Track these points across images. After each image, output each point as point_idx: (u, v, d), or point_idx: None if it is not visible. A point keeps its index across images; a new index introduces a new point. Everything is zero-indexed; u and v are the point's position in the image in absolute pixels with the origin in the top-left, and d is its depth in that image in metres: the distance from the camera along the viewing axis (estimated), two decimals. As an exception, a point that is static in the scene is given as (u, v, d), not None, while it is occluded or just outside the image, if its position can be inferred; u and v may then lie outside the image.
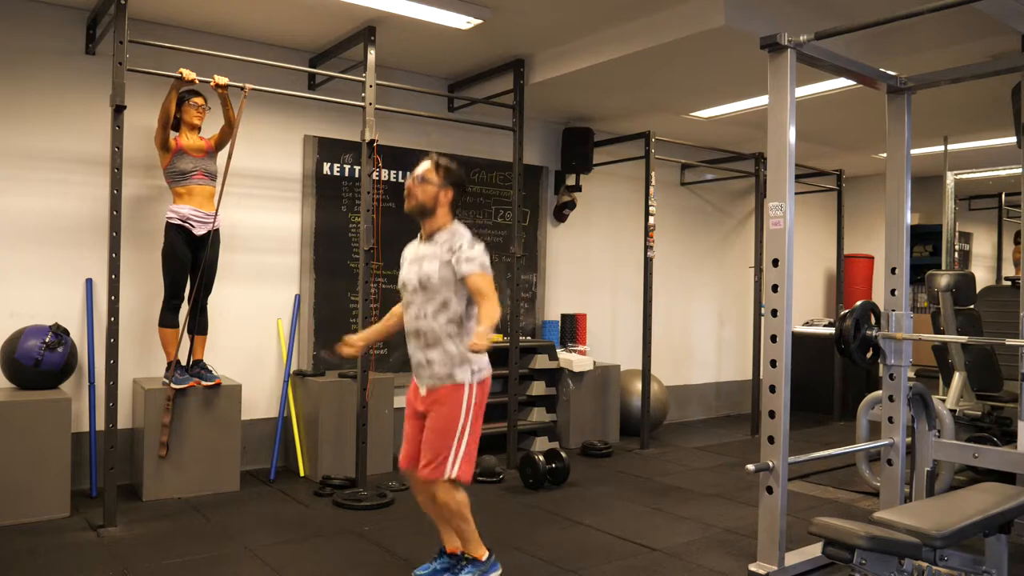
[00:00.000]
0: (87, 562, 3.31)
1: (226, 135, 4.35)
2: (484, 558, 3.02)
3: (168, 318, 4.30)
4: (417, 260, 3.02)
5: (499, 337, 5.78)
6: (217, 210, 4.30)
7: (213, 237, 4.33)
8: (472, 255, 2.92)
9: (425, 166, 3.06)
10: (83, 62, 4.39)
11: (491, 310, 2.83)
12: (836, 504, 4.49)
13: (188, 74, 4.05)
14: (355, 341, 3.22)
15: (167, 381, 4.24)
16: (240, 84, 4.24)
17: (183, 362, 4.36)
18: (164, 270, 4.27)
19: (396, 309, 3.19)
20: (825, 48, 3.28)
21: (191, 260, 4.27)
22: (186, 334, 4.37)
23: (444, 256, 2.93)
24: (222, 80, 4.15)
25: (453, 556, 3.08)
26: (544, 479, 4.65)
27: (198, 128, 4.31)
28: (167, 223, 4.23)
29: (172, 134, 4.24)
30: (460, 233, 3.01)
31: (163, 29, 4.51)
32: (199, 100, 4.29)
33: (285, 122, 5.01)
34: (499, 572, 3.08)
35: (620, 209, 6.83)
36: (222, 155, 4.34)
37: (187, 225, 4.22)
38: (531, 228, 6.27)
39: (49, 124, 4.32)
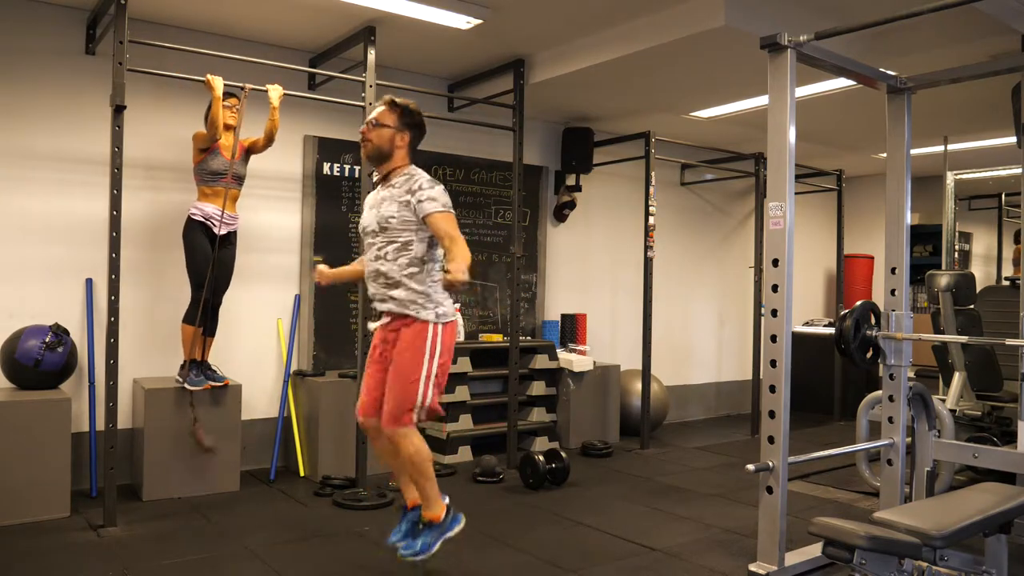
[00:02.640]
0: (87, 562, 3.31)
1: (260, 146, 4.42)
2: (441, 517, 2.92)
3: (192, 314, 4.30)
4: (376, 204, 2.97)
5: (499, 337, 5.79)
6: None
7: (232, 237, 4.36)
8: (433, 195, 2.85)
9: (380, 109, 2.97)
10: (83, 62, 4.39)
11: (460, 251, 2.74)
12: (836, 504, 4.49)
13: (215, 85, 4.07)
14: (324, 271, 3.21)
15: (180, 380, 4.25)
16: (240, 84, 4.24)
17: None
18: (188, 265, 4.28)
19: (363, 257, 3.13)
20: (825, 48, 3.28)
21: (211, 256, 4.28)
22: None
23: (402, 197, 2.87)
24: (276, 98, 4.27)
25: (415, 510, 3.00)
26: (544, 479, 4.65)
27: (232, 128, 4.30)
28: (188, 219, 4.25)
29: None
30: (418, 174, 2.94)
31: (163, 29, 4.51)
32: (232, 100, 4.29)
33: (285, 122, 5.00)
34: (461, 524, 3.00)
35: (620, 209, 6.83)
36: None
37: (209, 223, 4.24)
38: (531, 228, 6.27)
39: (49, 124, 4.32)
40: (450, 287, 2.69)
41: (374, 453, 3.14)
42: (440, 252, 2.97)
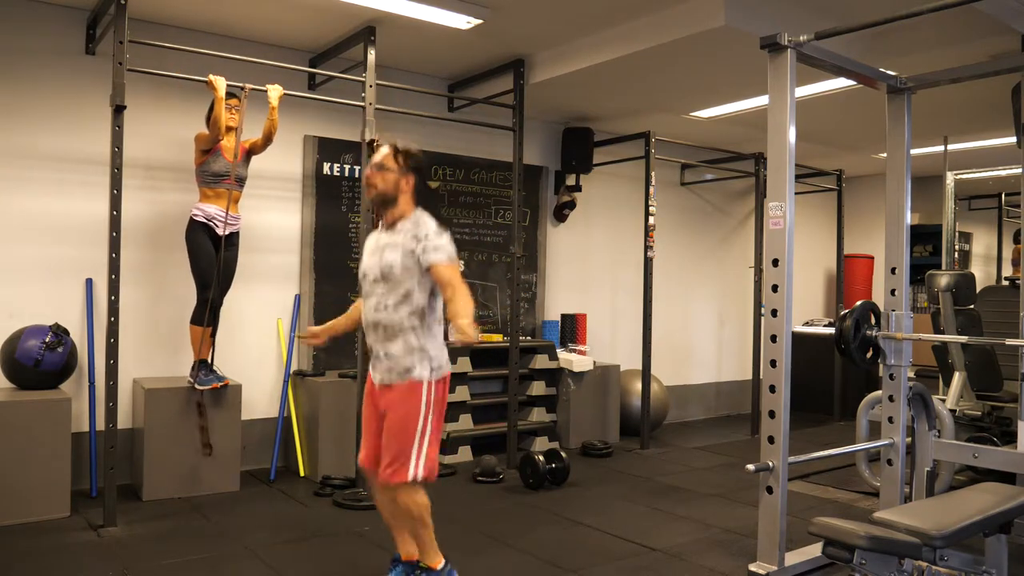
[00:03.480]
0: (87, 562, 3.31)
1: (259, 146, 4.41)
2: (439, 567, 2.90)
3: (199, 315, 4.30)
4: (379, 250, 2.89)
5: (499, 337, 5.79)
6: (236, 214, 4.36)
7: (234, 238, 4.36)
8: (439, 244, 2.80)
9: (383, 152, 2.92)
10: (83, 62, 4.39)
11: (464, 303, 2.69)
12: (836, 504, 4.49)
13: (218, 85, 4.07)
14: (317, 331, 3.16)
15: (191, 381, 4.26)
16: (240, 84, 4.24)
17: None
18: (193, 266, 4.28)
19: (359, 302, 3.06)
20: (825, 48, 3.28)
21: (215, 256, 4.28)
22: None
23: (408, 245, 2.80)
24: (275, 98, 4.26)
25: (409, 564, 2.97)
26: (544, 479, 4.65)
27: (233, 130, 4.29)
28: (191, 220, 4.25)
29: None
30: (425, 221, 2.87)
31: (163, 29, 4.51)
32: (233, 101, 4.28)
33: (285, 122, 4.99)
34: None
35: (620, 209, 6.83)
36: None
37: (211, 224, 4.24)
38: (531, 228, 6.27)
39: (49, 124, 4.32)
40: (464, 342, 2.62)
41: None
42: (440, 304, 2.91)
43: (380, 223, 2.98)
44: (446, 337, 2.94)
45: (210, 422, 4.30)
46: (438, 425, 2.87)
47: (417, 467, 2.77)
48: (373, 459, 2.92)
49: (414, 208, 2.93)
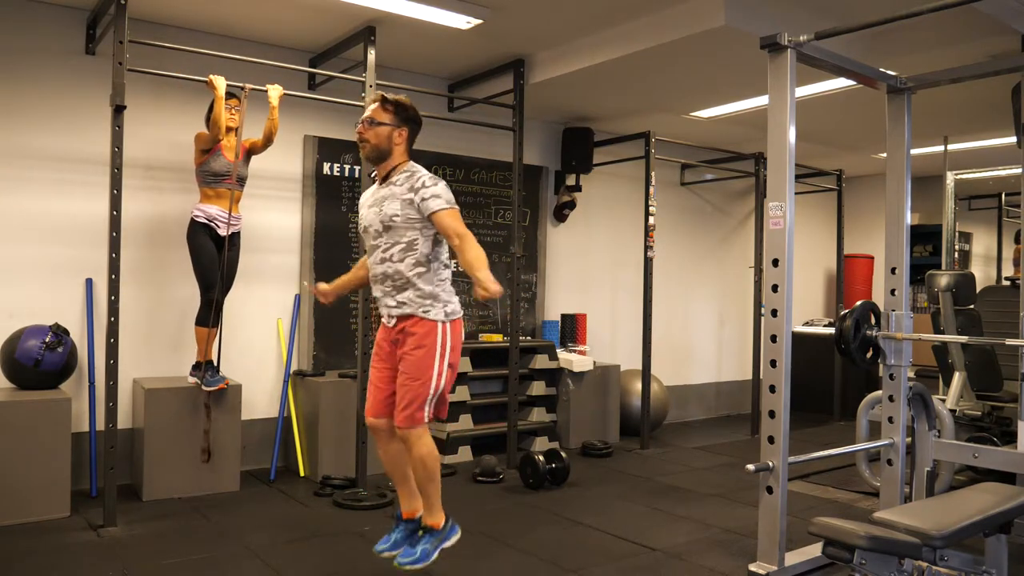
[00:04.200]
0: (87, 562, 3.31)
1: (260, 146, 4.41)
2: (441, 525, 2.89)
3: (204, 316, 4.31)
4: (377, 203, 2.90)
5: (499, 337, 5.79)
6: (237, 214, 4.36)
7: (236, 239, 4.36)
8: (437, 191, 2.81)
9: (373, 107, 2.90)
10: (83, 62, 4.39)
11: (475, 252, 2.69)
12: (836, 504, 4.49)
13: (218, 85, 4.07)
14: (326, 289, 3.15)
15: (197, 381, 4.27)
16: (240, 84, 4.24)
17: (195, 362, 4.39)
18: (195, 267, 4.28)
19: (364, 259, 3.07)
20: (825, 48, 3.28)
21: (217, 257, 4.29)
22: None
23: (405, 195, 2.82)
24: (275, 98, 4.26)
25: (411, 522, 2.96)
26: (544, 479, 4.65)
27: (233, 130, 4.29)
28: (192, 220, 4.25)
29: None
30: (418, 171, 2.88)
31: (163, 29, 4.51)
32: (233, 101, 4.28)
33: (285, 122, 5.00)
34: (458, 534, 2.97)
35: (620, 209, 6.83)
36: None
37: (212, 224, 4.25)
38: (531, 228, 6.27)
39: (49, 124, 4.32)
40: (487, 298, 2.62)
41: (377, 456, 3.09)
42: (445, 250, 2.93)
43: (376, 177, 2.98)
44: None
45: (211, 424, 4.30)
46: (453, 368, 2.90)
47: (435, 395, 2.82)
48: (383, 407, 2.92)
49: (408, 160, 2.94)
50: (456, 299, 2.94)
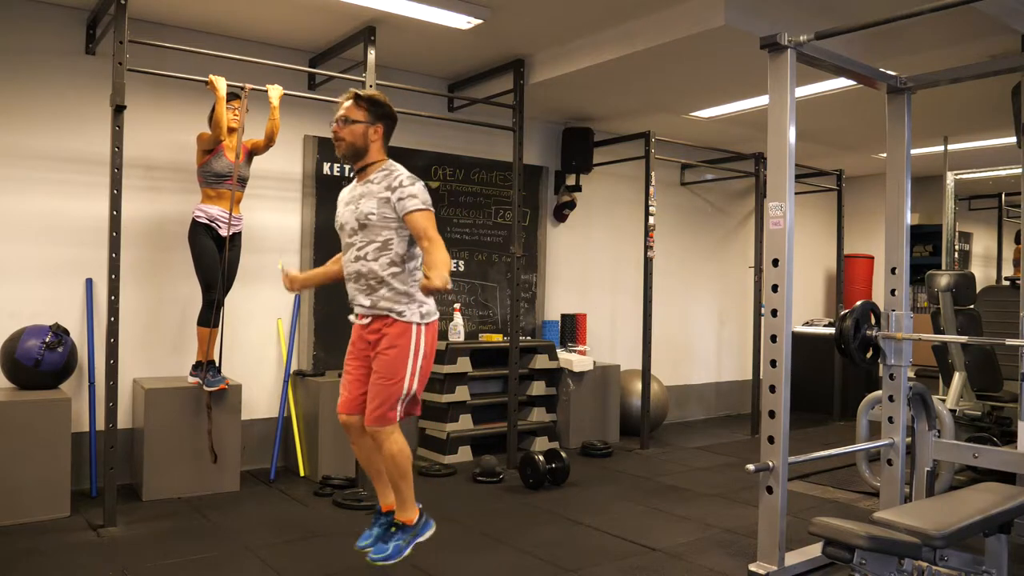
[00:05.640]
0: (87, 562, 3.31)
1: (262, 147, 4.41)
2: (415, 521, 2.86)
3: (206, 316, 4.31)
4: (354, 200, 2.88)
5: (499, 337, 5.79)
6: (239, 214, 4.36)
7: (237, 239, 4.37)
8: (414, 191, 2.77)
9: (346, 105, 2.87)
10: (83, 62, 4.39)
11: (440, 255, 2.66)
12: (836, 504, 4.49)
13: (218, 85, 4.07)
14: (294, 276, 3.10)
15: (198, 381, 4.27)
16: (240, 84, 4.24)
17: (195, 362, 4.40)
18: (196, 267, 4.28)
19: (338, 256, 3.05)
20: (825, 48, 3.28)
21: (218, 258, 4.28)
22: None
23: (382, 194, 2.79)
24: (276, 98, 4.25)
25: (389, 514, 2.94)
26: (544, 479, 4.65)
27: (235, 130, 4.29)
28: (193, 221, 4.26)
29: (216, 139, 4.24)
30: (397, 170, 2.85)
31: (163, 29, 4.51)
32: (235, 103, 4.28)
33: (285, 122, 5.00)
34: (432, 529, 2.94)
35: (620, 209, 6.83)
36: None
37: (214, 225, 4.25)
38: (531, 228, 6.27)
39: (49, 124, 4.32)
40: (428, 293, 2.61)
41: (353, 452, 3.08)
42: (418, 250, 2.88)
43: (353, 175, 2.96)
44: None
45: (213, 424, 4.30)
46: (426, 371, 2.86)
47: (407, 396, 2.79)
48: (355, 405, 2.90)
49: (385, 157, 2.91)
50: (431, 300, 2.90)
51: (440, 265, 2.63)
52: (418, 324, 2.82)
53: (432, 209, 2.82)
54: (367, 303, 2.86)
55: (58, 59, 4.33)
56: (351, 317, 2.98)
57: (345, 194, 3.00)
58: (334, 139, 2.89)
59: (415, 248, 2.86)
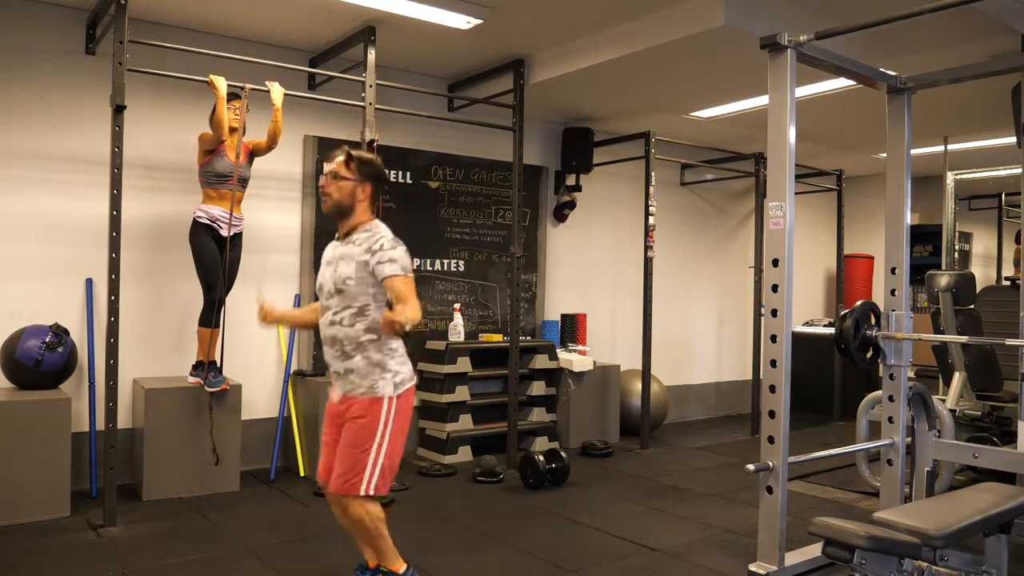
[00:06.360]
0: (87, 562, 3.31)
1: (264, 148, 4.41)
2: (401, 572, 2.85)
3: (207, 317, 4.31)
4: (334, 261, 2.83)
5: (499, 337, 5.79)
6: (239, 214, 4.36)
7: (238, 239, 4.37)
8: (394, 256, 2.72)
9: (337, 160, 2.83)
10: (83, 62, 4.39)
11: (410, 310, 2.61)
12: (836, 504, 4.49)
13: (219, 85, 4.07)
14: (269, 311, 2.99)
15: (199, 381, 4.27)
16: (240, 84, 4.24)
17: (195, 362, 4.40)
18: (197, 268, 4.28)
19: (316, 305, 2.99)
20: (825, 48, 3.28)
21: (219, 258, 4.28)
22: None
23: (361, 256, 2.74)
24: (278, 98, 4.25)
25: (376, 571, 2.92)
26: (544, 479, 4.65)
27: (235, 131, 4.28)
28: (194, 221, 4.26)
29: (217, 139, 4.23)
30: (380, 232, 2.80)
31: (163, 29, 4.51)
32: (235, 103, 4.28)
33: (285, 122, 5.00)
34: None
35: (620, 209, 6.83)
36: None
37: (215, 225, 4.25)
38: (531, 228, 6.27)
39: (49, 124, 4.32)
40: (389, 327, 2.55)
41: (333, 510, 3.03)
42: None
43: (339, 235, 2.91)
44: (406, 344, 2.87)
45: (212, 424, 4.30)
46: (398, 439, 2.81)
47: (370, 482, 2.72)
48: (330, 470, 2.85)
49: (371, 218, 2.87)
50: (407, 367, 2.85)
51: (410, 314, 2.58)
52: (390, 397, 2.76)
53: (411, 275, 2.76)
54: (341, 369, 2.81)
55: (58, 59, 4.33)
56: (331, 393, 2.92)
57: (328, 253, 2.93)
58: (321, 193, 2.85)
59: None
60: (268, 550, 3.50)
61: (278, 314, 3.06)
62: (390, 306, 2.76)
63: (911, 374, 3.88)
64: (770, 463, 3.19)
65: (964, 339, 4.37)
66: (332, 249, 2.91)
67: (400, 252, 2.74)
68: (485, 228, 6.01)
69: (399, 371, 2.80)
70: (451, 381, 5.34)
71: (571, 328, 6.22)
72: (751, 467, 3.17)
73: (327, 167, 2.85)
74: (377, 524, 2.79)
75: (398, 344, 2.85)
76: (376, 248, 2.73)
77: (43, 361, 4.02)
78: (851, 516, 2.49)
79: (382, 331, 2.60)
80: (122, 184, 3.78)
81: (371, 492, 2.73)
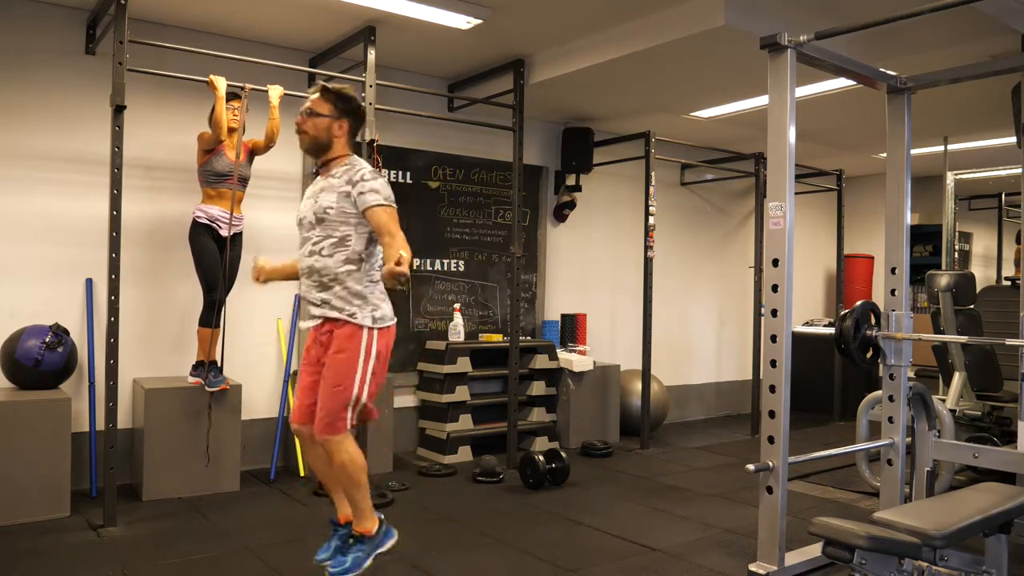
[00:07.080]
0: (87, 562, 3.31)
1: (262, 148, 4.41)
2: (374, 531, 2.75)
3: (207, 317, 4.32)
4: (314, 195, 2.79)
5: (499, 337, 5.79)
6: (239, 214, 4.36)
7: (238, 239, 4.37)
8: (375, 186, 2.67)
9: (313, 97, 2.79)
10: (83, 62, 4.39)
11: (399, 243, 2.53)
12: (836, 504, 4.49)
13: (218, 85, 4.08)
14: (262, 266, 2.99)
15: (200, 381, 4.27)
16: (240, 84, 4.24)
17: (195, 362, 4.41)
18: (197, 268, 4.29)
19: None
20: (825, 48, 3.28)
21: (219, 258, 4.28)
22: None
23: (342, 188, 2.70)
24: (276, 99, 4.25)
25: (347, 526, 2.84)
26: (544, 479, 4.65)
27: (235, 130, 4.29)
28: (194, 221, 4.26)
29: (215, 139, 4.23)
30: (359, 164, 2.76)
31: (163, 29, 4.51)
32: (235, 103, 4.28)
33: (285, 122, 4.98)
34: (394, 539, 2.83)
35: (620, 209, 6.83)
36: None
37: (214, 225, 4.25)
38: (531, 228, 6.27)
39: (49, 124, 4.32)
40: (390, 278, 2.42)
41: (306, 461, 2.99)
42: (380, 250, 2.77)
43: (316, 169, 2.89)
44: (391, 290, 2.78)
45: (211, 425, 4.30)
46: (378, 378, 2.75)
47: (357, 402, 2.68)
48: (307, 414, 2.80)
49: (350, 153, 2.84)
50: (388, 305, 2.77)
51: (399, 246, 2.51)
52: (370, 328, 2.70)
53: (394, 206, 2.70)
54: (317, 300, 2.75)
55: (58, 59, 4.33)
56: (302, 324, 2.87)
57: (309, 189, 2.90)
58: (297, 131, 2.81)
59: (375, 248, 2.76)
60: (268, 550, 3.50)
61: (270, 269, 3.04)
62: (372, 240, 2.71)
63: (911, 374, 3.88)
64: (770, 463, 3.19)
65: (964, 339, 4.37)
66: (312, 186, 2.88)
67: (381, 183, 2.71)
68: (485, 228, 6.01)
69: (379, 305, 2.75)
70: (451, 381, 5.34)
71: (571, 328, 6.22)
72: (751, 467, 3.17)
73: (304, 104, 2.80)
74: (359, 473, 2.73)
75: (377, 277, 2.78)
76: (357, 179, 2.70)
77: (43, 361, 4.02)
78: (851, 516, 2.49)
79: (385, 283, 2.52)
80: (122, 184, 3.78)
81: (355, 422, 2.69)
